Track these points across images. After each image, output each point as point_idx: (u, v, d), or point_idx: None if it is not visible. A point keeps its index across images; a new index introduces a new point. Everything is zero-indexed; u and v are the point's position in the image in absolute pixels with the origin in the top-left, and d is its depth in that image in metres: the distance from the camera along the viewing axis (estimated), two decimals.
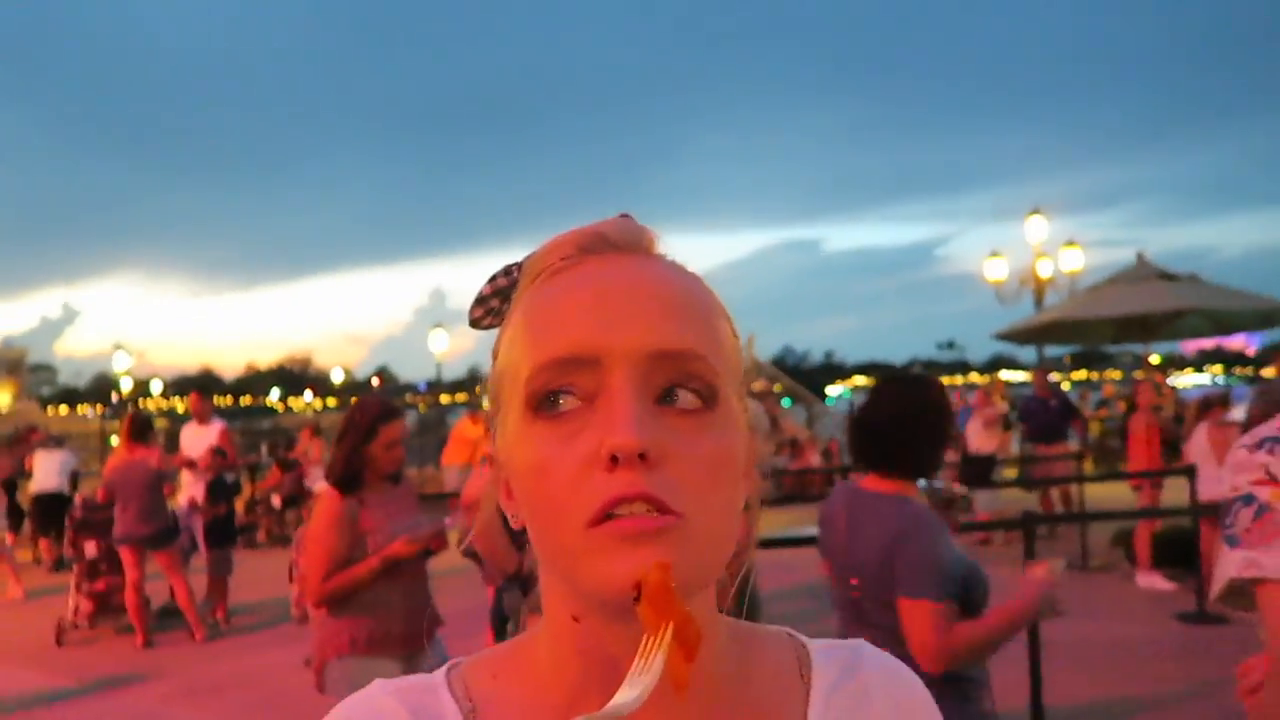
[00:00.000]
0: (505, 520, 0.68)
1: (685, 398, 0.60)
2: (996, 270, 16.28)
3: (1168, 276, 10.28)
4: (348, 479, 3.29)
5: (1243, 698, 1.39)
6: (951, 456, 11.47)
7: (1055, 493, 10.29)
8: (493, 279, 0.70)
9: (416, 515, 3.43)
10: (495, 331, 0.70)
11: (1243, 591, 1.41)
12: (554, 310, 0.62)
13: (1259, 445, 1.42)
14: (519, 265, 0.69)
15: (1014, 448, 12.69)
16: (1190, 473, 7.19)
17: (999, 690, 5.12)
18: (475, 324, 0.71)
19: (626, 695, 0.53)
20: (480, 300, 0.70)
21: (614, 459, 0.56)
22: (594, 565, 0.57)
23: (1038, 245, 16.10)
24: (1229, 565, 1.39)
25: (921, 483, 2.46)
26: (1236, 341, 14.19)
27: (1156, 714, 5.07)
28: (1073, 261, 15.21)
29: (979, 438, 10.87)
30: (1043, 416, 10.60)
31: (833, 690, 0.70)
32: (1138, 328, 10.73)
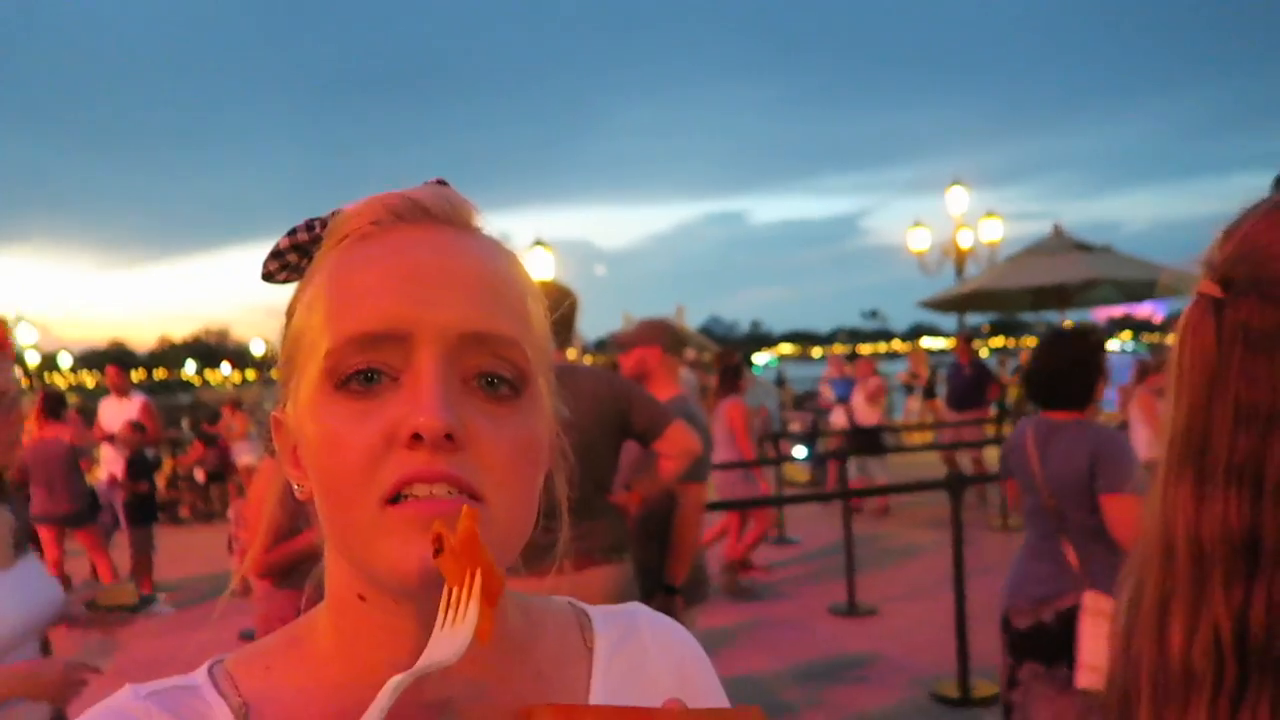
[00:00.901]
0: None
1: (494, 382, 0.59)
2: (919, 241, 16.66)
3: (1083, 247, 10.65)
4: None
5: None
6: (842, 423, 11.81)
7: (967, 458, 10.61)
8: (292, 232, 0.65)
9: None
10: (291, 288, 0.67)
11: None
12: (362, 280, 0.59)
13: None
14: (322, 221, 0.64)
15: (931, 416, 13.05)
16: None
17: (930, 649, 5.30)
18: (268, 278, 0.67)
19: (443, 649, 0.51)
20: (276, 254, 0.66)
21: (416, 438, 0.54)
22: (386, 548, 0.55)
23: (958, 217, 16.51)
24: None
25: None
26: (1145, 309, 14.74)
27: None
28: (992, 232, 15.64)
29: (863, 410, 11.18)
30: (957, 383, 10.89)
31: (614, 651, 0.73)
32: (1054, 297, 11.11)
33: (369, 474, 0.55)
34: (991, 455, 10.52)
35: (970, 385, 10.80)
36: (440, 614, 0.52)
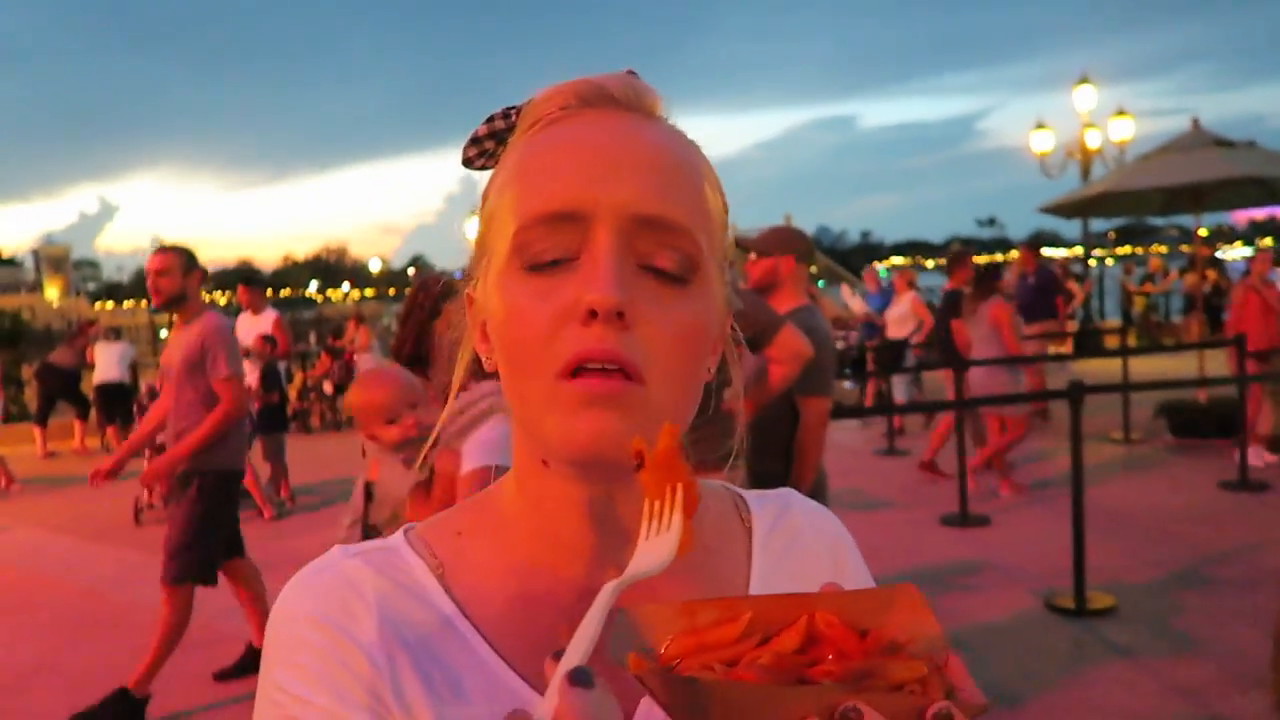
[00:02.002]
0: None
1: (666, 266, 0.61)
2: (1042, 142, 15.79)
3: (1223, 144, 9.92)
4: (417, 356, 3.39)
5: None
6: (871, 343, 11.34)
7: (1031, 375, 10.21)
8: (489, 119, 0.68)
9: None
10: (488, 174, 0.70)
11: None
12: (547, 161, 0.62)
13: None
14: (517, 109, 0.67)
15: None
16: (1240, 342, 7.14)
17: (1044, 560, 5.25)
18: (468, 164, 0.70)
19: (649, 559, 0.53)
20: (474, 140, 0.69)
21: (591, 314, 0.57)
22: (557, 420, 0.59)
23: (1085, 115, 15.56)
24: None
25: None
26: None
27: (1195, 577, 5.20)
28: (1122, 131, 14.71)
29: (896, 324, 10.74)
30: (1022, 293, 10.30)
31: (770, 531, 0.76)
32: (1188, 198, 10.43)
33: (546, 348, 0.59)
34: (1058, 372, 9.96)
35: (1034, 295, 10.29)
36: (644, 524, 0.54)
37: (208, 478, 4.54)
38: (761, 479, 3.10)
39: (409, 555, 0.68)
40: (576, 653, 0.47)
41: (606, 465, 0.60)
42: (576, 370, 0.58)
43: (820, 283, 17.94)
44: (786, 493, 0.82)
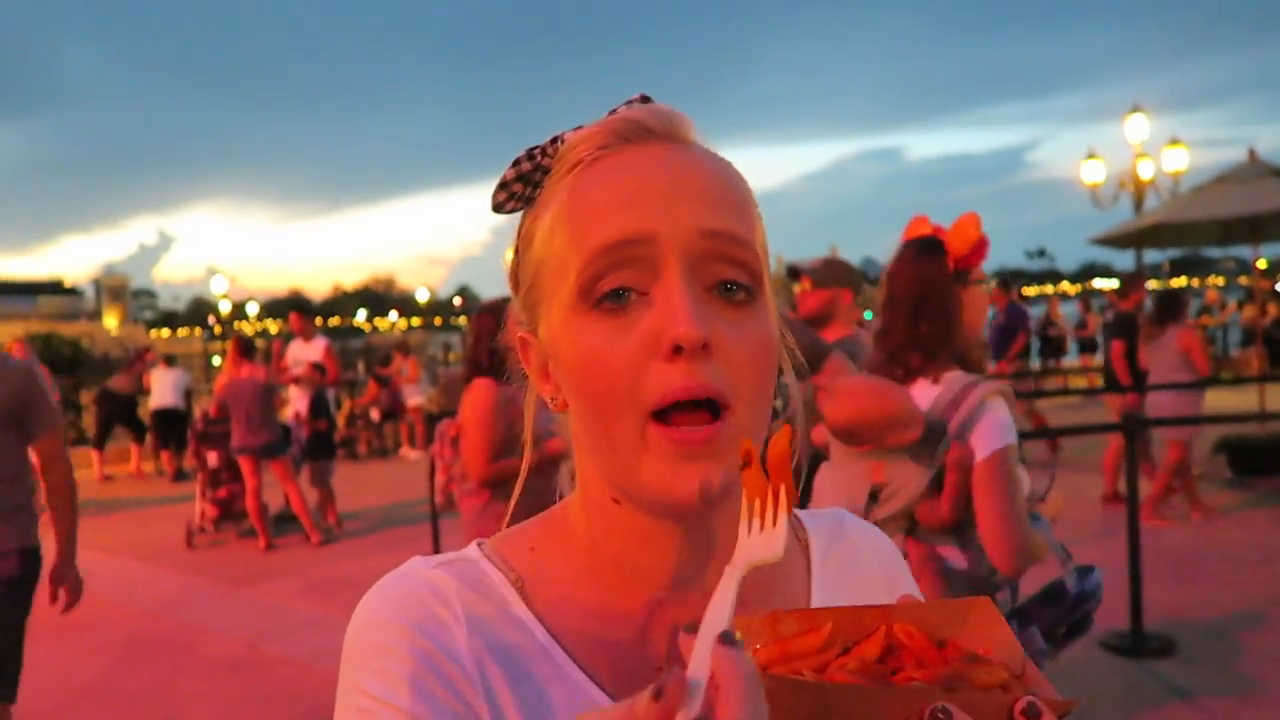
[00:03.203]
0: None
1: (731, 288, 0.62)
2: (1093, 173, 15.55)
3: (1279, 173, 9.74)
4: (496, 368, 3.59)
5: None
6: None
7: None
8: (516, 163, 0.69)
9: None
10: (516, 217, 0.71)
11: None
12: (600, 198, 0.62)
13: None
14: (541, 149, 0.68)
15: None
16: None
17: (1097, 613, 5.05)
18: (497, 208, 0.70)
19: (762, 549, 0.54)
20: (503, 185, 0.69)
21: (676, 349, 0.58)
22: (654, 469, 0.60)
23: (1138, 145, 15.29)
24: None
25: None
26: None
27: (1256, 618, 5.03)
28: (1176, 161, 14.43)
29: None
30: (992, 331, 10.19)
31: (827, 550, 0.78)
32: (1246, 229, 10.23)
33: (631, 388, 0.60)
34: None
35: (1002, 334, 10.21)
36: (744, 520, 0.55)
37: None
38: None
39: (488, 568, 0.70)
40: (717, 622, 0.47)
41: (702, 511, 0.61)
42: (667, 409, 0.59)
43: (869, 314, 17.75)
44: (839, 512, 0.83)
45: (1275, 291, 18.30)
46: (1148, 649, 4.59)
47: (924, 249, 2.26)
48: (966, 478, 2.05)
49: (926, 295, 2.20)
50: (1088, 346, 16.07)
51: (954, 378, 2.13)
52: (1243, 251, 11.18)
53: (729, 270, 0.62)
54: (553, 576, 0.70)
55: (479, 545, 0.73)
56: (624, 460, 0.61)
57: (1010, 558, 2.02)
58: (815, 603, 0.74)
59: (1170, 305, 7.46)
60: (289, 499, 8.06)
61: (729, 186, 0.65)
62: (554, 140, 0.68)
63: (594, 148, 0.65)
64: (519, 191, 0.69)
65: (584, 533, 0.70)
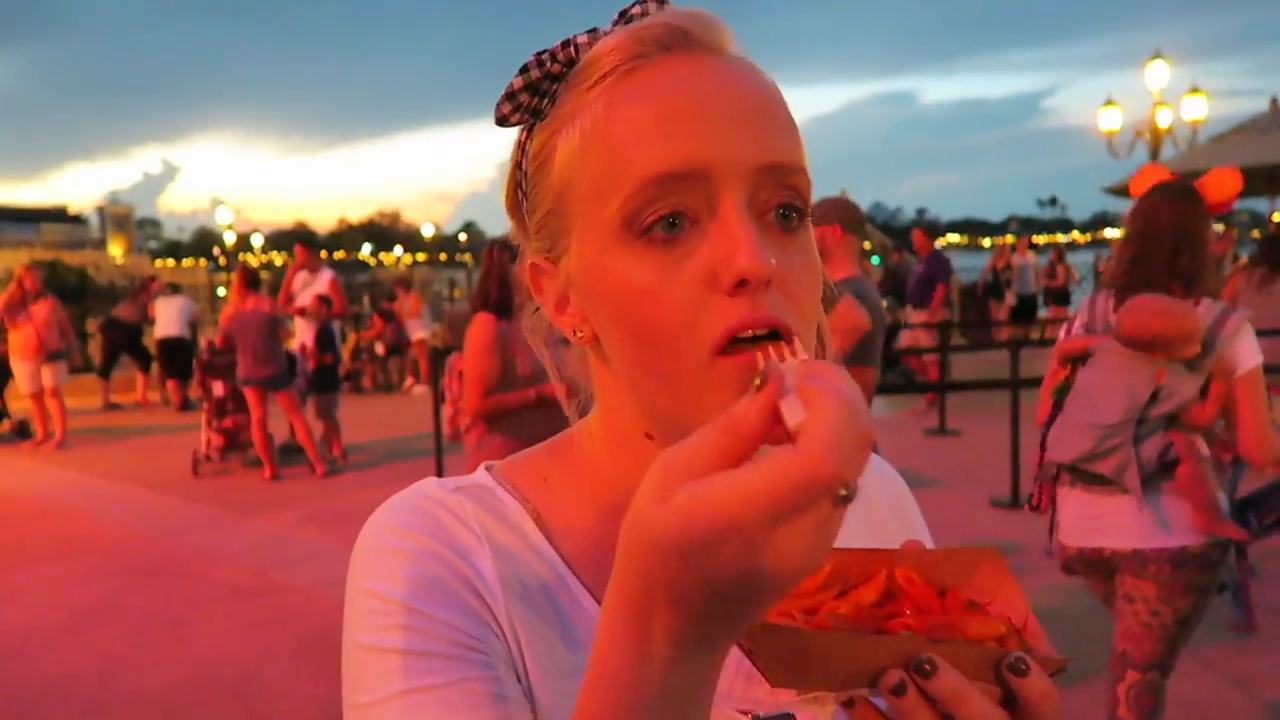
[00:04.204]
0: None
1: (787, 214, 0.58)
2: (1110, 120, 15.31)
3: None
4: (502, 304, 3.57)
5: None
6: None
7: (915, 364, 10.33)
8: (524, 70, 0.61)
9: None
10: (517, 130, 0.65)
11: None
12: (646, 117, 0.56)
13: None
14: (551, 54, 0.61)
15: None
16: None
17: None
18: (501, 121, 0.64)
19: None
20: (509, 95, 0.62)
21: (740, 284, 0.54)
22: (726, 401, 0.53)
23: (1157, 93, 15.03)
24: None
25: None
26: None
27: (1251, 562, 5.07)
28: (1196, 110, 14.20)
29: None
30: (913, 281, 10.59)
31: None
32: (1265, 180, 10.10)
33: (691, 324, 0.55)
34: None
35: (922, 284, 10.37)
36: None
37: None
38: None
39: (503, 495, 0.67)
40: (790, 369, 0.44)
41: None
42: (730, 345, 0.55)
43: (875, 259, 17.69)
44: None
45: None
46: None
47: (1182, 193, 2.60)
48: (1228, 387, 2.46)
49: (1187, 233, 2.53)
50: (1058, 298, 16.00)
51: (1209, 304, 2.49)
52: (1258, 204, 11.05)
53: (784, 195, 0.58)
54: (566, 508, 0.67)
55: (488, 468, 0.70)
56: (681, 396, 0.57)
57: (1264, 454, 2.47)
58: None
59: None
60: (294, 430, 8.11)
61: (780, 106, 0.60)
62: (565, 45, 0.62)
63: (628, 56, 0.58)
64: (526, 103, 0.63)
65: (605, 466, 0.67)
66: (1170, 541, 2.46)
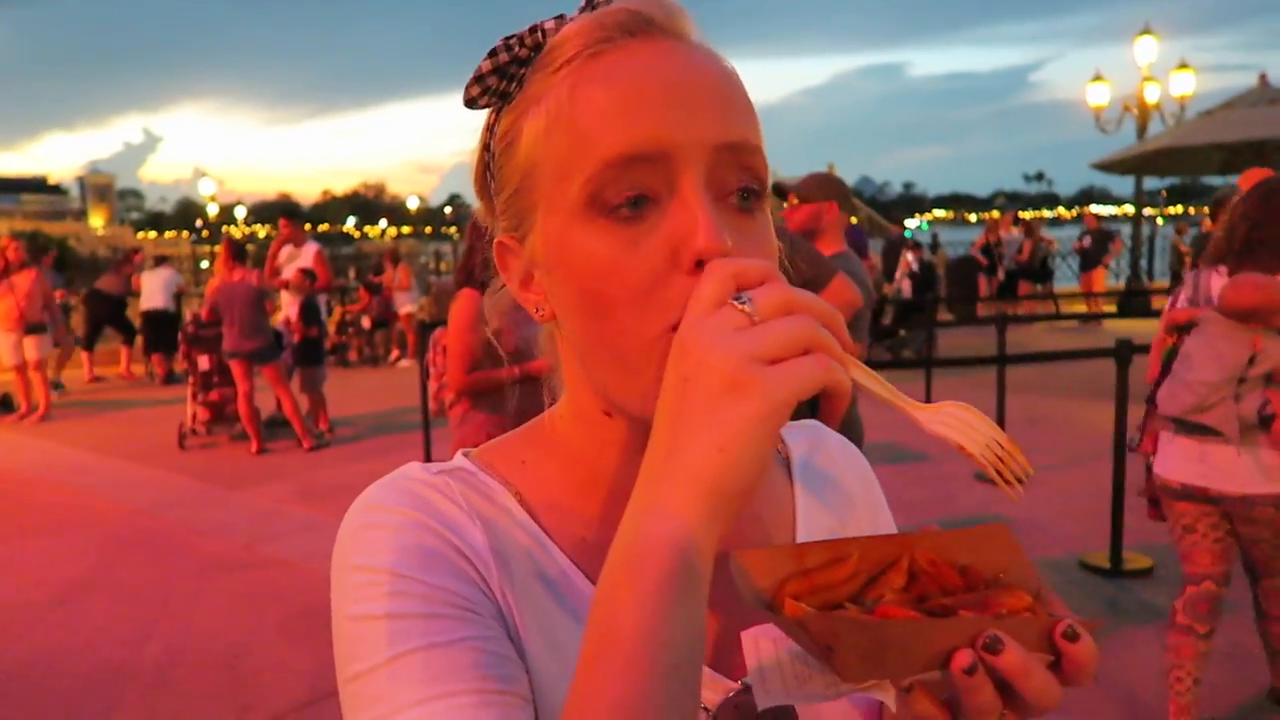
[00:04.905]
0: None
1: (745, 195, 0.60)
2: (1098, 95, 15.31)
3: None
4: (484, 281, 3.57)
5: None
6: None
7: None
8: (492, 53, 0.63)
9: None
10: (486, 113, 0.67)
11: None
12: (608, 100, 0.58)
13: None
14: (519, 39, 0.63)
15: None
16: None
17: (1080, 520, 5.25)
18: (470, 103, 0.65)
19: None
20: (478, 78, 0.64)
21: (699, 263, 0.56)
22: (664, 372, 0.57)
23: (1145, 68, 15.03)
24: None
25: None
26: None
27: None
28: (1184, 86, 14.19)
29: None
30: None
31: (807, 460, 0.79)
32: (1251, 156, 10.10)
33: (649, 301, 0.57)
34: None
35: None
36: None
37: None
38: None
39: (486, 477, 0.68)
40: None
41: None
42: None
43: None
44: (814, 424, 0.84)
45: None
46: (1126, 569, 4.69)
47: None
48: None
49: None
50: (1029, 274, 16.20)
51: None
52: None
53: (743, 178, 0.60)
54: (548, 488, 0.69)
55: (466, 456, 0.71)
56: (627, 369, 0.59)
57: None
58: (800, 514, 0.76)
59: None
60: (280, 404, 8.08)
61: (738, 90, 0.62)
62: (533, 30, 0.63)
63: (592, 41, 0.60)
64: (494, 86, 0.64)
65: (576, 445, 0.69)
66: (1274, 488, 2.88)
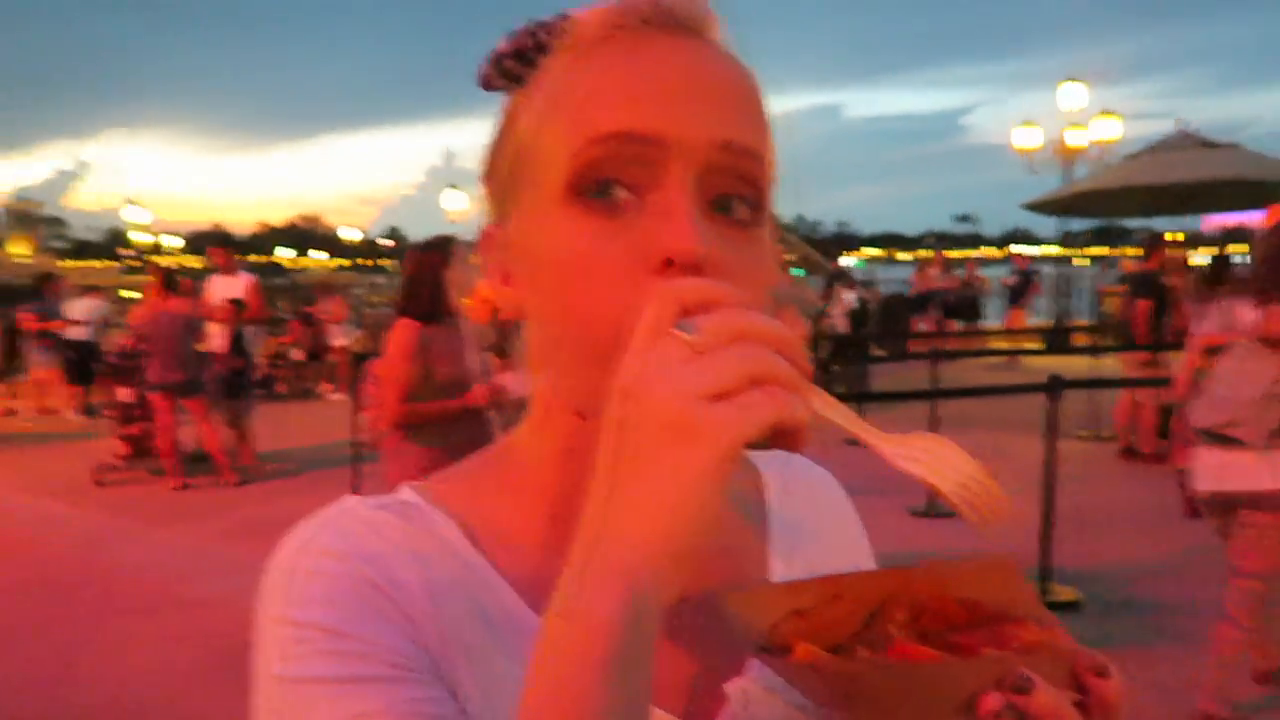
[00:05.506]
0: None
1: (738, 207, 0.56)
2: (1027, 139, 15.84)
3: (1209, 145, 9.99)
4: (428, 311, 3.49)
5: None
6: None
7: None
8: (513, 35, 0.60)
9: (474, 350, 3.67)
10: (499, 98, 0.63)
11: None
12: (606, 83, 0.55)
13: None
14: (547, 27, 0.59)
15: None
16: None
17: (1010, 553, 5.37)
18: (485, 85, 0.62)
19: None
20: (496, 59, 0.61)
21: (667, 263, 0.52)
22: None
23: (1071, 113, 15.63)
24: None
25: None
26: (1260, 219, 13.83)
27: (1161, 572, 5.25)
28: (1108, 131, 14.78)
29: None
30: None
31: (783, 489, 0.75)
32: (1171, 199, 10.50)
33: (616, 300, 0.53)
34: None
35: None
36: None
37: None
38: None
39: (430, 510, 0.62)
40: None
41: None
42: None
43: (800, 271, 18.02)
44: (786, 455, 0.79)
45: (1186, 264, 19.14)
46: (1054, 601, 4.75)
47: None
48: None
49: None
50: (959, 312, 16.86)
51: None
52: (1161, 224, 11.55)
53: (737, 185, 0.56)
54: (500, 520, 0.63)
55: (413, 488, 0.65)
56: (596, 371, 0.53)
57: None
58: (775, 544, 0.71)
59: (1224, 272, 7.64)
60: (204, 438, 7.84)
61: (751, 94, 0.58)
62: (561, 17, 0.60)
63: (609, 27, 0.57)
64: (512, 69, 0.60)
65: (539, 463, 0.64)
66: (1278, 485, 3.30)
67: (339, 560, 0.57)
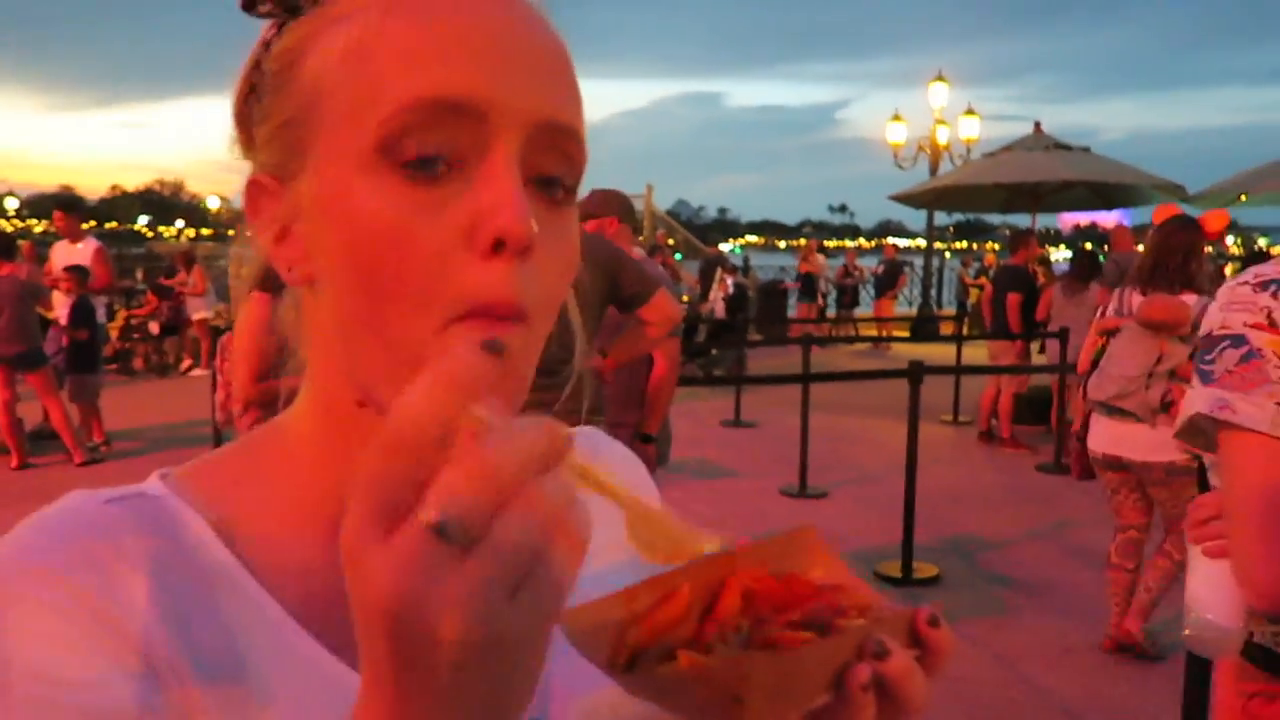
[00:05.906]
0: None
1: (560, 175, 0.53)
2: (896, 134, 16.46)
3: (1062, 147, 10.57)
4: (281, 283, 3.32)
5: (1190, 529, 1.33)
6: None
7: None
8: None
9: None
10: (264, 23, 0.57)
11: (1201, 430, 1.34)
12: (422, 36, 0.50)
13: (1263, 287, 1.29)
14: None
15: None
16: (1063, 335, 7.59)
17: (875, 532, 5.55)
18: (248, 7, 0.55)
19: None
20: None
21: (497, 245, 0.48)
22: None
23: (938, 111, 16.31)
24: (1197, 400, 1.32)
25: None
26: (1110, 219, 14.78)
27: (1014, 551, 5.55)
28: (970, 130, 15.49)
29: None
30: None
31: (592, 465, 0.73)
32: (1027, 197, 11.06)
33: (434, 280, 0.49)
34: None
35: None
36: None
37: None
38: (615, 429, 3.13)
39: (177, 504, 0.56)
40: None
41: None
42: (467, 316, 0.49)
43: (678, 255, 18.20)
44: (589, 429, 0.77)
45: (1045, 259, 20.32)
46: (915, 578, 4.95)
47: (1189, 223, 3.98)
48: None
49: (1192, 250, 3.89)
50: (839, 300, 17.97)
51: (1198, 299, 3.78)
52: (1021, 219, 12.16)
53: (559, 165, 0.52)
54: (265, 514, 0.57)
55: (163, 477, 0.58)
56: (399, 364, 0.49)
57: None
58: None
59: (1094, 265, 8.21)
60: (48, 414, 7.32)
61: (569, 69, 0.54)
62: None
63: None
64: None
65: (314, 450, 0.58)
66: (1166, 456, 3.76)
67: (49, 583, 0.49)
